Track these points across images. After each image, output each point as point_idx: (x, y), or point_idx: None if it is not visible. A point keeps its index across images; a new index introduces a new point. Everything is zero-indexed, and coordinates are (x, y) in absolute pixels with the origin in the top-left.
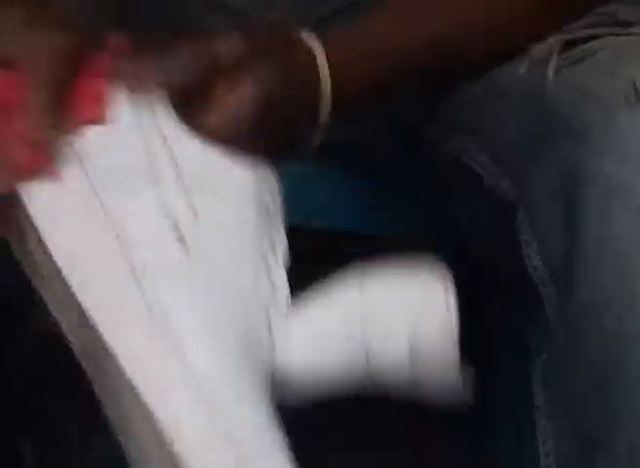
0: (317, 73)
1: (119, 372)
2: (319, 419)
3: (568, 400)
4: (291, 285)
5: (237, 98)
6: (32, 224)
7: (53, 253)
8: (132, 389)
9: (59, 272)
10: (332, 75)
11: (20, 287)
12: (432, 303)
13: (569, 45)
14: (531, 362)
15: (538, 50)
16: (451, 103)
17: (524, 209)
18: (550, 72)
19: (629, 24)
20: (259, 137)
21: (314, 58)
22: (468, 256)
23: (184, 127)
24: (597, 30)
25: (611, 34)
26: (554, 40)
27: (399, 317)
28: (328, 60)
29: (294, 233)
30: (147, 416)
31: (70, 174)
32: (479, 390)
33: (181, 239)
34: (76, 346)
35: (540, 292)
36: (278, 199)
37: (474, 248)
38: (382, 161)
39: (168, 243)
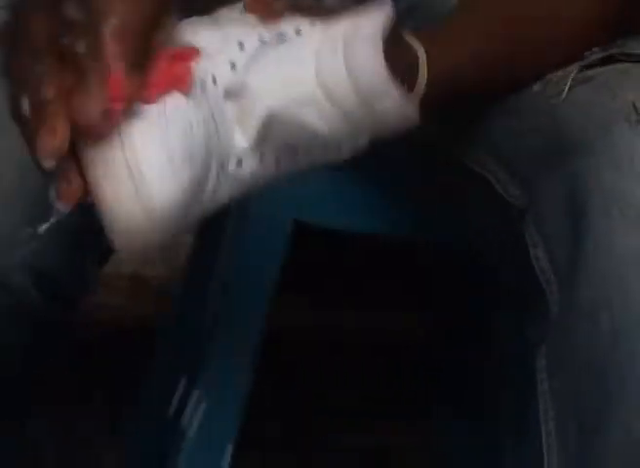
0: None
1: None
2: None
3: (568, 388)
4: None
5: None
6: None
7: None
8: None
9: None
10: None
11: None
12: (363, 25)
13: (582, 69)
14: (536, 352)
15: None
16: (465, 116)
17: (532, 214)
18: (565, 91)
19: (632, 53)
20: None
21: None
22: (477, 257)
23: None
24: (606, 58)
25: (618, 61)
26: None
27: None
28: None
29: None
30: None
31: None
32: (487, 377)
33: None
34: None
35: (544, 290)
36: None
37: (483, 248)
38: (396, 164)
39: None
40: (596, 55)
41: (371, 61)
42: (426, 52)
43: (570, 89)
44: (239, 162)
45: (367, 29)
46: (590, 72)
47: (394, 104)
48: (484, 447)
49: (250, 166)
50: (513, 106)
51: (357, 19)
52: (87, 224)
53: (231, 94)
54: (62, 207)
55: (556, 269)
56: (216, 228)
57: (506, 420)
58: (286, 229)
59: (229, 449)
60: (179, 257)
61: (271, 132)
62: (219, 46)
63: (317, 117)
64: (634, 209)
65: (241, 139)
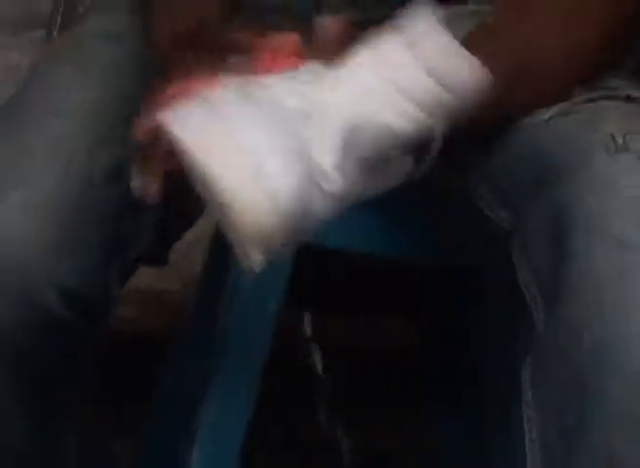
0: None
1: None
2: None
3: (551, 399)
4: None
5: None
6: None
7: None
8: None
9: None
10: None
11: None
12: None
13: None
14: (521, 364)
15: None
16: (455, 146)
17: (519, 237)
18: (548, 121)
19: (612, 90)
20: None
21: None
22: (468, 274)
23: None
24: (590, 95)
25: (599, 98)
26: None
27: None
28: None
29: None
30: None
31: None
32: (475, 386)
33: None
34: None
35: (530, 307)
36: None
37: (474, 267)
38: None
39: None
40: (581, 96)
41: (442, 47)
42: None
43: (553, 121)
44: (325, 179)
45: (421, 27)
46: (574, 107)
47: (472, 71)
48: (477, 449)
49: (334, 183)
50: (505, 138)
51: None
52: (114, 243)
53: (308, 115)
54: (150, 200)
55: (541, 289)
56: (226, 245)
57: (494, 424)
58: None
59: (237, 455)
60: (192, 272)
61: (352, 145)
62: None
63: (397, 117)
64: (613, 234)
65: (324, 157)
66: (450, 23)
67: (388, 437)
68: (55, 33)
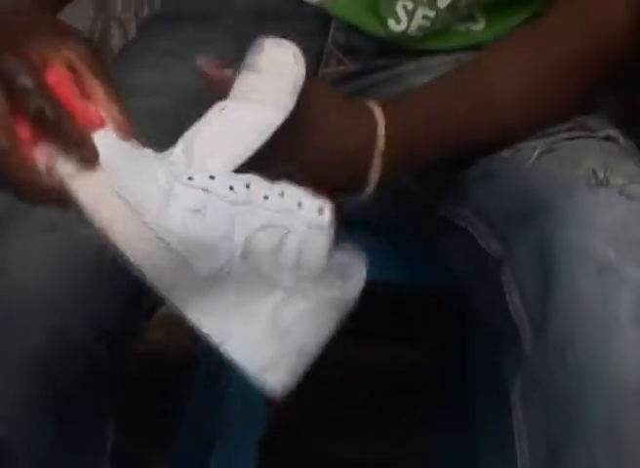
0: (374, 140)
1: None
2: None
3: (539, 415)
4: None
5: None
6: None
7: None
8: None
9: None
10: (386, 144)
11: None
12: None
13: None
14: (511, 382)
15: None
16: (452, 181)
17: (508, 265)
18: (533, 159)
19: (592, 130)
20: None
21: (375, 127)
22: (462, 299)
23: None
24: (570, 134)
25: (579, 137)
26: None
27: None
28: (386, 131)
29: None
30: None
31: None
32: (471, 405)
33: None
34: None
35: (518, 329)
36: None
37: (467, 292)
38: (395, 222)
39: None
40: (562, 135)
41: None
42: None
43: (538, 157)
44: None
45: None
46: (556, 145)
47: None
48: (471, 463)
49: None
50: (491, 171)
51: None
52: (140, 284)
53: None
54: None
55: (528, 313)
56: None
57: (486, 439)
58: None
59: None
60: None
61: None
62: None
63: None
64: (594, 262)
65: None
66: None
67: (390, 450)
68: None
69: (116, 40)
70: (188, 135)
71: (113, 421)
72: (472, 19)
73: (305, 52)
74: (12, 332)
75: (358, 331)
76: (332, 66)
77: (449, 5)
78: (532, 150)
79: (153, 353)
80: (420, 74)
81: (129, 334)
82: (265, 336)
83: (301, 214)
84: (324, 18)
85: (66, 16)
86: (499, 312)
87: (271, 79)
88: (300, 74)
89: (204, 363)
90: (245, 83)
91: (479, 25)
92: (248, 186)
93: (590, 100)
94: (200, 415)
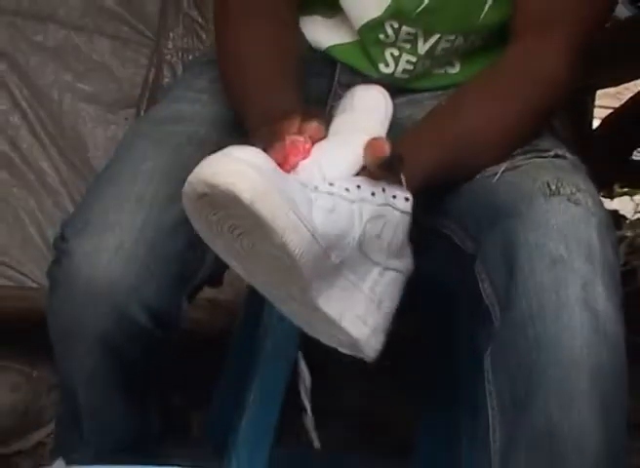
0: None
1: None
2: None
3: (506, 380)
4: None
5: None
6: None
7: None
8: None
9: None
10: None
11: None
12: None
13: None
14: (483, 354)
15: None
16: (436, 198)
17: (480, 259)
18: (498, 175)
19: (544, 151)
20: None
21: None
22: (443, 288)
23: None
24: (528, 155)
25: (535, 157)
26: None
27: None
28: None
29: None
30: None
31: None
32: (452, 369)
33: None
34: None
35: (489, 310)
36: None
37: (448, 281)
38: None
39: None
40: (521, 155)
41: None
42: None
43: (503, 174)
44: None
45: None
46: (517, 163)
47: None
48: (452, 418)
49: None
50: (465, 185)
51: None
52: (183, 273)
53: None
54: None
55: (497, 296)
56: None
57: (464, 403)
58: None
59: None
60: (242, 287)
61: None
62: None
63: None
64: (549, 256)
65: None
66: None
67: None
68: (141, 113)
69: (167, 79)
70: (315, 158)
71: (164, 384)
72: (449, 63)
73: (317, 88)
74: (81, 318)
75: None
76: (337, 99)
77: (427, 52)
78: (498, 168)
79: (195, 330)
80: (408, 106)
81: (175, 315)
82: (368, 309)
83: (396, 203)
84: (331, 62)
85: (130, 61)
86: (474, 296)
87: (367, 114)
88: (390, 106)
89: (237, 336)
90: (345, 120)
91: (455, 69)
92: (359, 187)
93: (540, 130)
94: (233, 380)
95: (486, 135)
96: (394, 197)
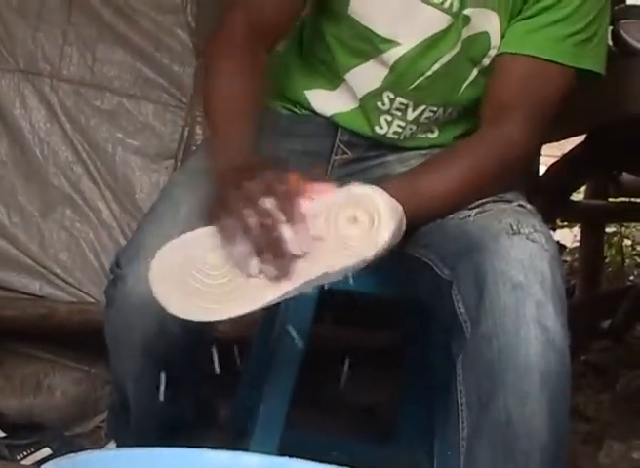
0: None
1: None
2: None
3: (473, 380)
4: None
5: None
6: None
7: None
8: None
9: None
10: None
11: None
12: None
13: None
14: (456, 359)
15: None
16: (417, 234)
17: (455, 284)
18: (472, 217)
19: (509, 201)
20: None
21: None
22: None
23: None
24: (495, 203)
25: (500, 204)
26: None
27: None
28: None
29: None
30: None
31: None
32: (426, 374)
33: None
34: None
35: (462, 325)
36: None
37: (427, 302)
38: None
39: None
40: (489, 203)
41: None
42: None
43: (475, 216)
44: None
45: None
46: (486, 208)
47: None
48: (429, 410)
49: None
50: (443, 225)
51: None
52: None
53: None
54: None
55: (469, 314)
56: None
57: (439, 398)
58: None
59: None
60: None
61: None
62: None
63: None
64: (510, 282)
65: None
66: None
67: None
68: (178, 163)
69: (199, 136)
70: None
71: (196, 380)
72: (430, 130)
73: (322, 146)
74: (130, 328)
75: (356, 322)
76: (339, 155)
77: (414, 119)
78: (470, 211)
79: (222, 338)
80: (398, 163)
81: (203, 326)
82: None
83: None
84: (334, 124)
85: (169, 122)
86: (449, 314)
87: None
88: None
89: (256, 341)
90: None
91: (434, 134)
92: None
93: (504, 188)
94: (252, 376)
95: (441, 194)
96: None
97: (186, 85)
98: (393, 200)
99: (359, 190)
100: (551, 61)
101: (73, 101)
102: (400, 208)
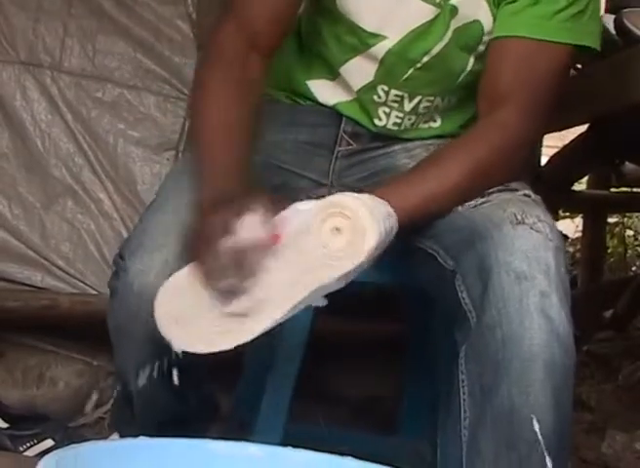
0: None
1: None
2: None
3: (476, 369)
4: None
5: None
6: None
7: None
8: None
9: None
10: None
11: None
12: None
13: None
14: (459, 348)
15: None
16: (423, 226)
17: (459, 273)
18: (477, 205)
19: (514, 190)
20: None
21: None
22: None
23: None
24: (500, 192)
25: (506, 194)
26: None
27: None
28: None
29: None
30: None
31: None
32: (429, 364)
33: None
34: None
35: (466, 314)
36: None
37: (431, 292)
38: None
39: None
40: (495, 192)
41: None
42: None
43: (479, 205)
44: None
45: None
46: (490, 197)
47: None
48: (432, 399)
49: None
50: (448, 216)
51: None
52: None
53: None
54: None
55: (473, 304)
56: None
57: (441, 388)
58: None
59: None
60: None
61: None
62: None
63: None
64: (514, 272)
65: None
66: None
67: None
68: (179, 154)
69: None
70: None
71: (198, 372)
72: (432, 119)
73: (326, 136)
74: (133, 319)
75: (359, 312)
76: (343, 146)
77: (411, 110)
78: (475, 201)
79: None
80: (402, 153)
81: None
82: None
83: None
84: (338, 115)
85: (170, 113)
86: (454, 304)
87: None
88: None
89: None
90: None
91: (437, 123)
92: None
93: (508, 177)
94: (255, 369)
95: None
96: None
97: (187, 76)
98: (375, 200)
99: (333, 198)
100: (542, 40)
101: (74, 93)
102: (386, 206)
